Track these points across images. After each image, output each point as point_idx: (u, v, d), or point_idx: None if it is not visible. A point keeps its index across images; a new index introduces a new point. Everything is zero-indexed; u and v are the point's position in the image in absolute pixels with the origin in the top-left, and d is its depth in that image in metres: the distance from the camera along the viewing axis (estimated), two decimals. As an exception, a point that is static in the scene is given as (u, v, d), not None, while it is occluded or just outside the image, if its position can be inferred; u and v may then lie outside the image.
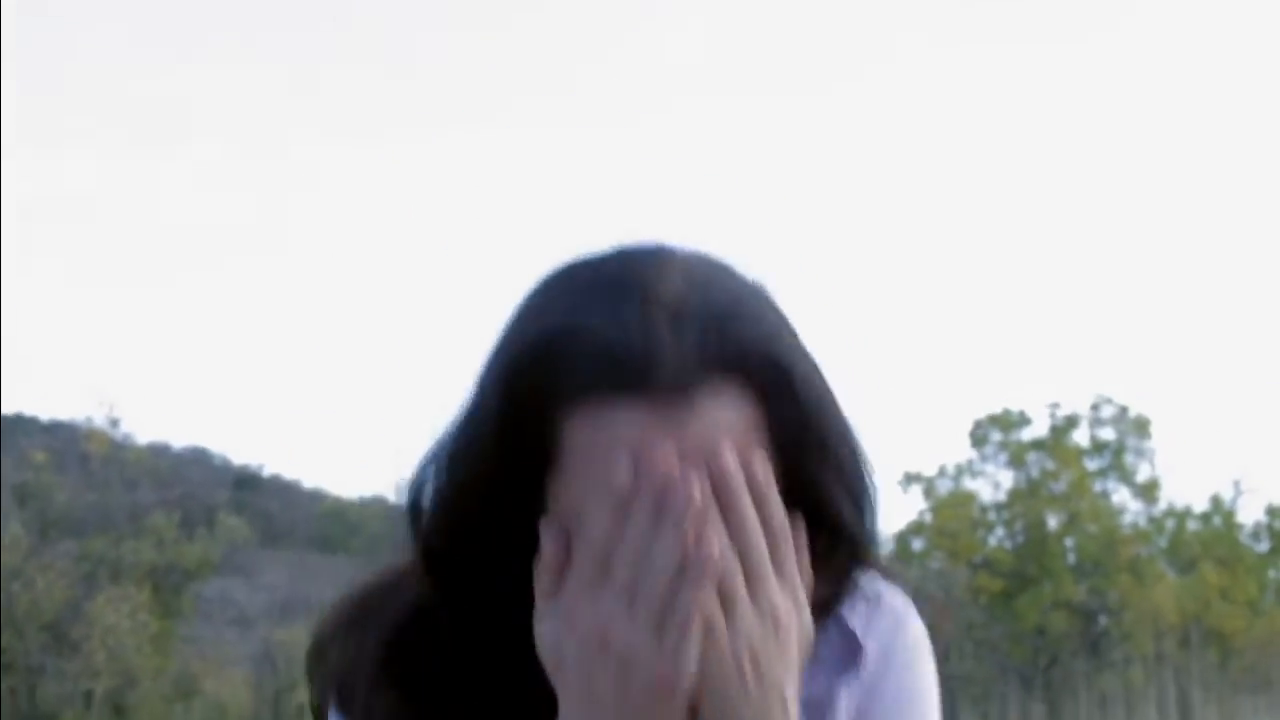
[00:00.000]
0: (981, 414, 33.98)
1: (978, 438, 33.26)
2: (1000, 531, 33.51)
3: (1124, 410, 34.26)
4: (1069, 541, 32.38)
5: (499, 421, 0.92)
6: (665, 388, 0.87)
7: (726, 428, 0.89)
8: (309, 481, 72.11)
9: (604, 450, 0.88)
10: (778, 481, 0.91)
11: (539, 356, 0.90)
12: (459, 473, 0.96)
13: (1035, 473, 32.92)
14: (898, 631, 1.09)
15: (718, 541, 0.86)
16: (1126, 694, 30.81)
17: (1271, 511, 34.92)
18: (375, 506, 50.98)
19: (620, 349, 0.88)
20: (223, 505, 41.08)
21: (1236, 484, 36.32)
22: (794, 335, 0.95)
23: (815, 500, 0.95)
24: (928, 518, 32.69)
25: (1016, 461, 32.78)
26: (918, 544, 32.72)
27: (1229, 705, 31.01)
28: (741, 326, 0.92)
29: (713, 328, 0.90)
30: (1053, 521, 32.50)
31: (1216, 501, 34.37)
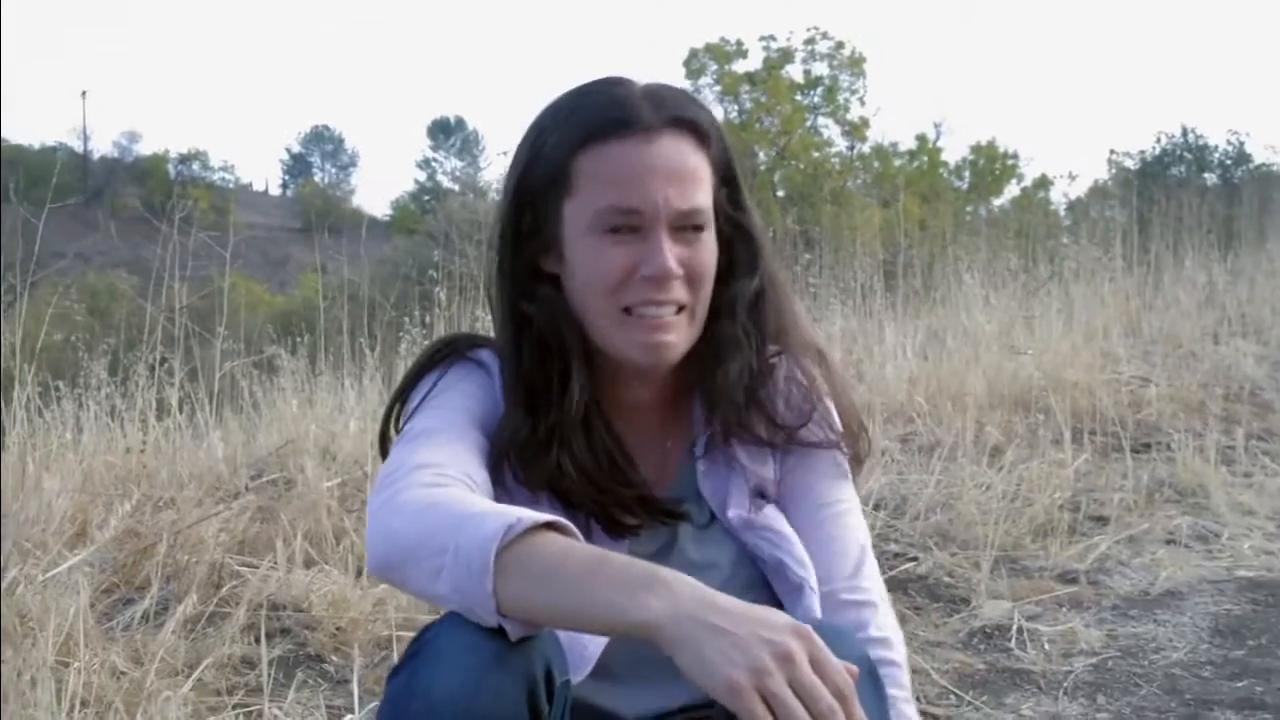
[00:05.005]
0: (698, 43, 33.73)
1: (693, 68, 33.03)
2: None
3: (839, 46, 34.49)
4: (777, 176, 32.74)
5: (529, 166, 1.57)
6: (642, 130, 1.51)
7: (683, 158, 1.53)
8: (-18, 128, 66.73)
9: (605, 170, 1.51)
10: (719, 205, 1.59)
11: (559, 119, 1.55)
12: (510, 202, 1.59)
13: (748, 105, 32.99)
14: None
15: None
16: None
17: (976, 149, 36.07)
18: (59, 154, 48.09)
19: (613, 110, 1.52)
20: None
21: (937, 125, 37.34)
22: (715, 119, 1.60)
23: (739, 221, 1.61)
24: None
25: (730, 93, 32.70)
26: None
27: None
28: (689, 105, 1.57)
29: (671, 103, 1.55)
30: (763, 156, 32.76)
31: (922, 140, 35.27)
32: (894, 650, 1.61)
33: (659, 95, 1.55)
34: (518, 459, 1.55)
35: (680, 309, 1.54)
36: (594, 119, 1.52)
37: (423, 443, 1.48)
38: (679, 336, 1.55)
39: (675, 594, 1.20)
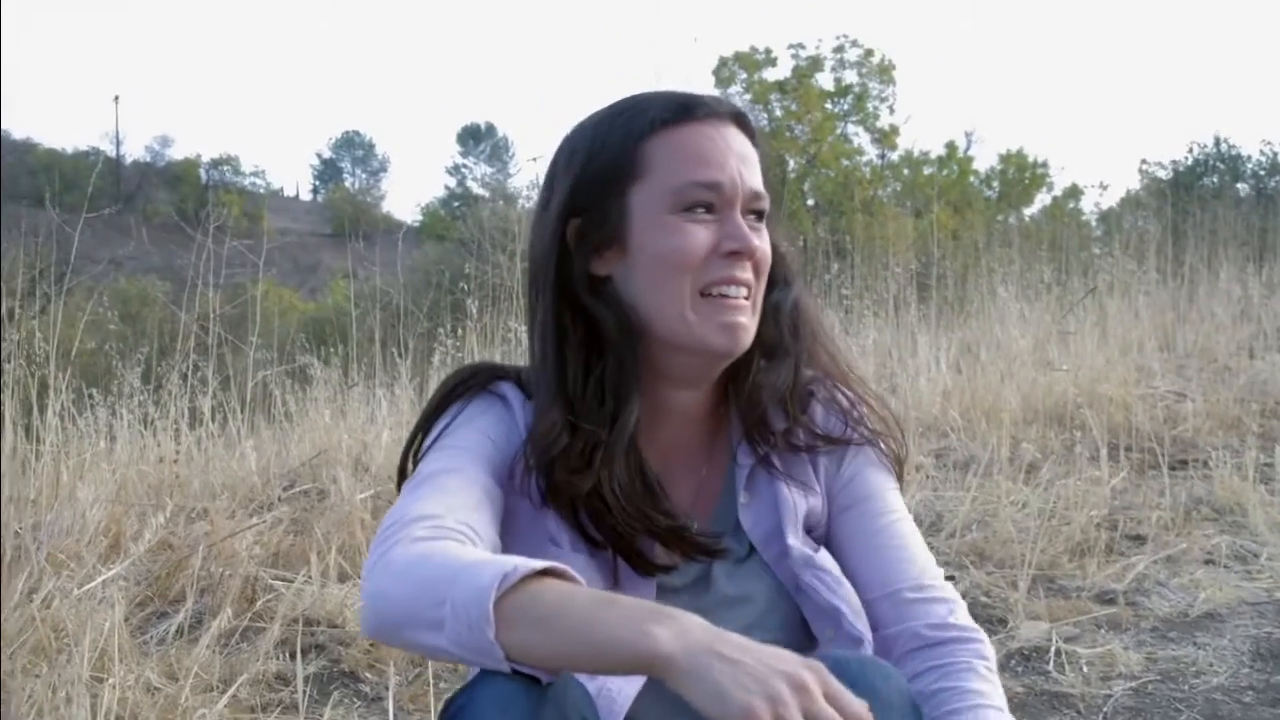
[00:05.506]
0: (727, 51, 33.69)
1: (722, 77, 32.91)
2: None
3: (868, 54, 34.39)
4: (808, 184, 32.63)
5: (585, 165, 1.56)
6: (714, 114, 1.55)
7: (748, 146, 1.57)
8: (19, 131, 66.87)
9: (683, 148, 1.53)
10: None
11: (608, 122, 1.57)
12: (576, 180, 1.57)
13: (778, 113, 32.89)
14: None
15: None
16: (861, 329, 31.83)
17: (1005, 158, 35.88)
18: (91, 159, 48.26)
19: (679, 99, 1.55)
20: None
21: (969, 134, 37.22)
22: None
23: (771, 234, 1.60)
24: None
25: (760, 102, 32.60)
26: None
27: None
28: (743, 109, 1.61)
29: (728, 101, 1.59)
30: (793, 164, 32.64)
31: (951, 148, 35.10)
32: (978, 634, 1.59)
33: (714, 95, 1.59)
34: (546, 475, 1.52)
35: (748, 295, 1.55)
36: (662, 107, 1.55)
37: (424, 491, 1.45)
38: (749, 321, 1.55)
39: (684, 627, 1.18)
